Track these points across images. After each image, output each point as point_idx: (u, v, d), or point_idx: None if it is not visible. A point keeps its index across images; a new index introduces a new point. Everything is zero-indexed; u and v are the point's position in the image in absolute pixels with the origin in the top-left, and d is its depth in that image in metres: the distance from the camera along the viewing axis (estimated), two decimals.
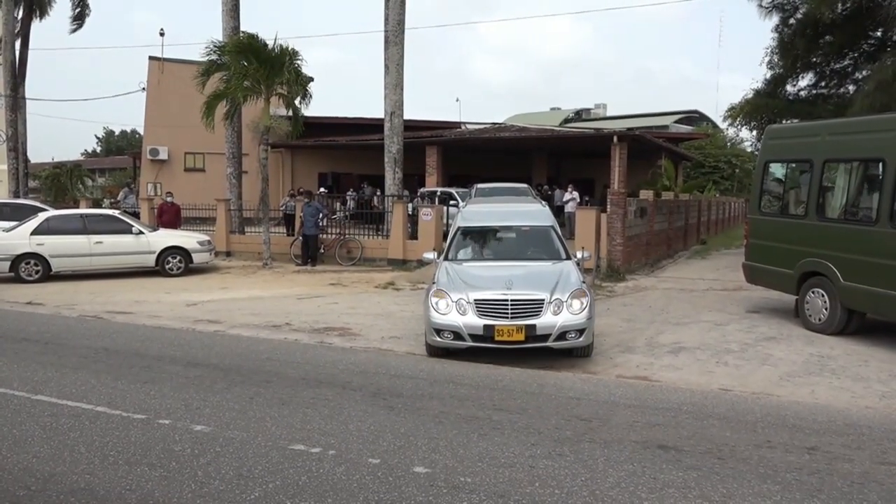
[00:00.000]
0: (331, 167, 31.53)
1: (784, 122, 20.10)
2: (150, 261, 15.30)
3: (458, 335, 7.36)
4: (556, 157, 32.24)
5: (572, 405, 5.96)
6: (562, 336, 7.29)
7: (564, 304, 7.34)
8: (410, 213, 17.72)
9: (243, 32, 18.48)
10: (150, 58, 31.31)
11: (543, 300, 7.32)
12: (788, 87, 22.95)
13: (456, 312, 7.38)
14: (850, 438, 5.27)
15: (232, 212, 20.06)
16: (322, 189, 24.80)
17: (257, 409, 5.85)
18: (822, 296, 8.99)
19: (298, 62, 16.97)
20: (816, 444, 5.12)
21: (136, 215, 18.98)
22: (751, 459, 4.78)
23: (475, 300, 7.36)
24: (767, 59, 21.99)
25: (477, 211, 9.65)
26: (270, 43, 16.68)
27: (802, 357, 7.87)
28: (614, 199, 15.02)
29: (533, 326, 7.23)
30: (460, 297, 7.43)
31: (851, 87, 21.59)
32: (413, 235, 17.12)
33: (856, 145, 8.88)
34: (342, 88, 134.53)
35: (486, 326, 7.25)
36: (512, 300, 7.30)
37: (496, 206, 10.31)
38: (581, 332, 7.37)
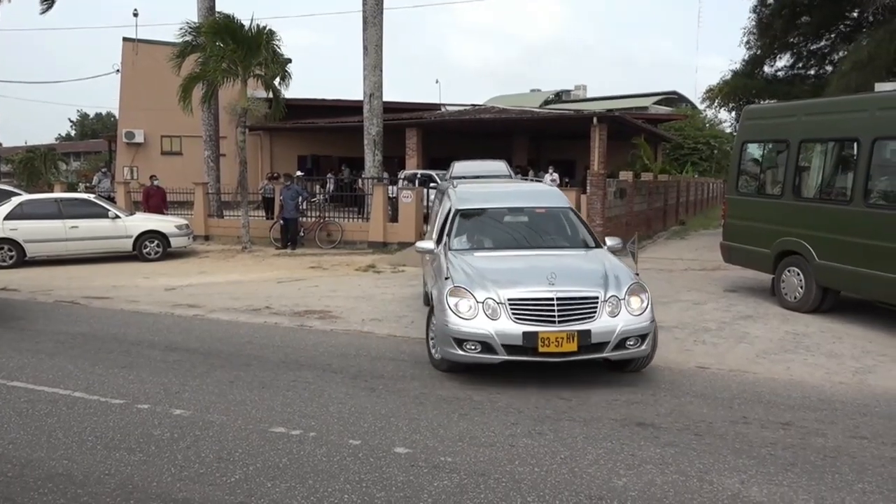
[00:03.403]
0: (310, 150, 31.26)
1: (762, 102, 20.25)
2: (128, 245, 15.11)
3: (487, 347, 5.74)
4: (537, 139, 32.23)
5: (552, 384, 6.00)
6: (621, 344, 5.82)
7: (622, 302, 5.94)
8: (392, 195, 17.65)
9: (219, 13, 18.19)
10: (124, 39, 30.73)
11: (598, 298, 5.87)
12: (766, 68, 23.15)
13: (484, 317, 5.81)
14: (824, 413, 5.37)
15: (210, 195, 19.85)
16: (299, 172, 24.63)
17: (237, 392, 5.83)
18: (798, 275, 9.11)
19: (276, 43, 16.77)
20: (791, 419, 5.21)
21: (111, 199, 18.73)
22: (727, 435, 4.85)
23: (509, 300, 5.81)
24: (745, 39, 22.14)
25: (474, 191, 8.23)
26: (247, 24, 16.46)
27: (778, 335, 7.98)
28: (594, 180, 15.07)
29: (587, 333, 5.70)
30: (488, 296, 5.87)
31: (828, 68, 21.78)
32: (394, 218, 17.08)
33: (831, 125, 8.97)
34: (321, 70, 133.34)
35: (526, 335, 5.66)
36: (559, 299, 5.77)
37: (496, 184, 8.99)
38: (643, 337, 5.94)
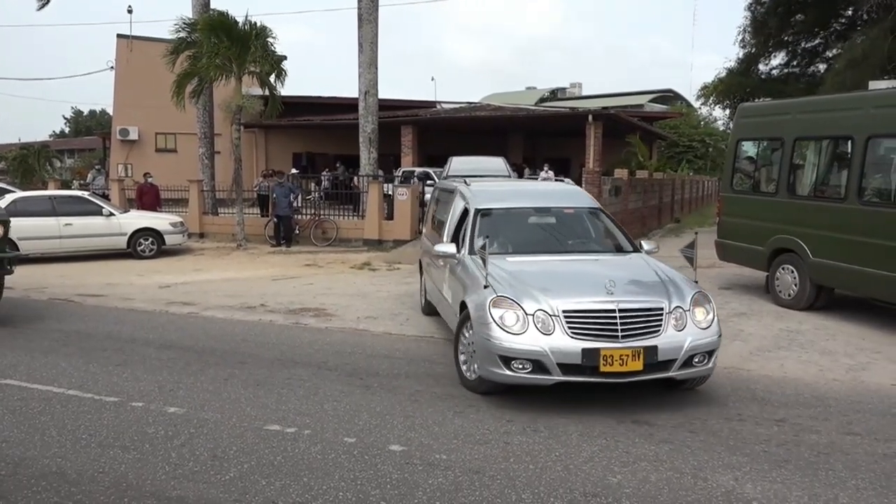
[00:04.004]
0: (305, 147, 31.22)
1: (756, 100, 20.29)
2: (122, 243, 15.06)
3: (540, 366, 5.09)
4: (533, 137, 32.25)
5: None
6: (688, 361, 5.25)
7: (687, 314, 5.37)
8: (388, 193, 17.63)
9: (213, 10, 18.16)
10: (119, 36, 30.61)
11: (662, 310, 5.30)
12: (761, 66, 23.23)
13: (536, 331, 5.15)
14: (817, 410, 5.39)
15: (205, 193, 19.79)
16: (294, 170, 24.58)
17: (232, 390, 5.82)
18: (792, 272, 9.14)
19: (270, 40, 16.73)
20: (785, 416, 5.23)
21: (105, 197, 18.66)
22: (721, 432, 4.87)
23: (564, 312, 5.17)
24: (740, 37, 22.21)
25: (492, 189, 7.69)
26: (241, 20, 16.42)
27: (772, 332, 8.00)
28: (589, 177, 15.09)
29: (653, 350, 5.10)
30: (539, 307, 5.22)
31: (822, 66, 21.87)
32: (390, 216, 17.06)
33: (825, 123, 8.99)
34: (316, 67, 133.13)
35: (586, 352, 5.03)
36: (622, 310, 5.17)
37: (512, 183, 8.57)
38: (710, 354, 5.38)
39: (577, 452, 4.50)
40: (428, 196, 15.30)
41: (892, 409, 5.45)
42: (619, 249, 6.80)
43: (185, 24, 17.49)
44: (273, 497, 3.87)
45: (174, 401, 5.53)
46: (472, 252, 6.42)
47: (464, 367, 5.85)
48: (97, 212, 14.96)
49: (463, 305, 5.92)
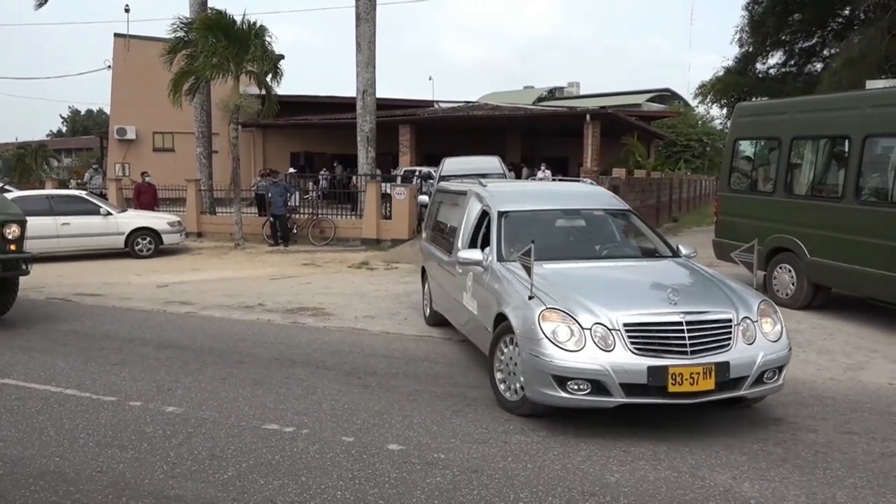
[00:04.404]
0: (303, 146, 31.20)
1: (754, 99, 20.32)
2: (119, 242, 15.04)
3: (599, 387, 4.60)
4: (531, 136, 32.26)
5: None
6: (759, 378, 4.81)
7: (755, 325, 4.95)
8: (386, 192, 17.62)
9: (211, 9, 18.15)
10: (116, 35, 30.56)
11: (731, 321, 4.85)
12: (758, 65, 23.25)
13: (594, 347, 4.65)
14: (815, 409, 5.40)
15: (202, 192, 19.77)
16: (292, 169, 24.57)
17: (230, 389, 5.81)
18: (790, 271, 9.15)
19: (268, 39, 16.71)
20: (782, 415, 5.24)
21: (102, 196, 18.64)
22: (719, 431, 4.87)
23: (625, 325, 4.69)
24: (738, 36, 22.22)
25: (511, 190, 7.37)
26: (239, 19, 16.40)
27: None
28: (587, 177, 15.09)
29: (725, 366, 4.64)
30: (596, 320, 4.72)
31: (819, 66, 21.90)
32: (388, 215, 17.07)
33: (823, 123, 9.00)
34: (314, 66, 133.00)
35: (653, 370, 4.55)
36: (689, 323, 4.71)
37: (528, 184, 8.17)
38: (780, 369, 4.98)
39: (575, 451, 4.51)
40: (423, 197, 15.26)
41: (890, 409, 5.46)
42: (656, 254, 6.38)
43: (182, 23, 17.48)
44: (271, 496, 3.87)
45: (172, 400, 5.52)
46: (500, 259, 5.90)
47: (502, 387, 5.28)
48: (95, 211, 14.94)
49: (499, 318, 5.39)
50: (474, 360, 6.71)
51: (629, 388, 4.60)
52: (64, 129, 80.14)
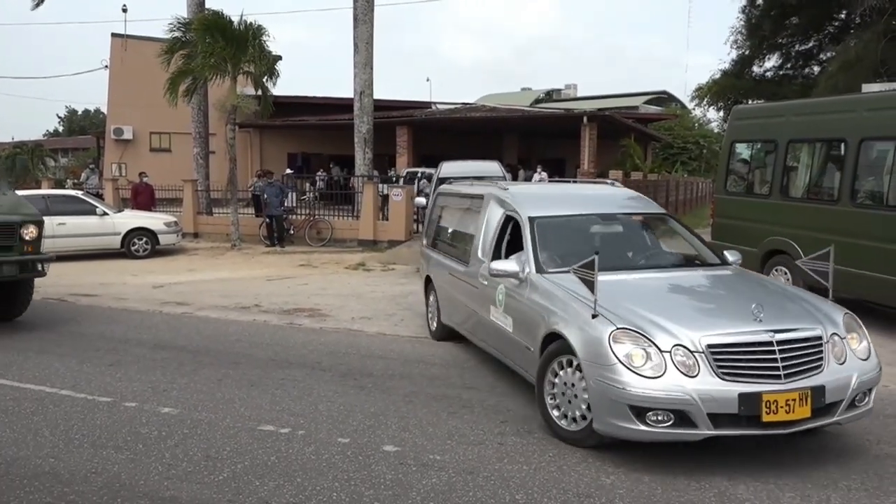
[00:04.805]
0: (300, 147, 31.18)
1: (750, 102, 20.37)
2: (115, 242, 15.03)
3: (683, 417, 4.10)
4: (528, 138, 32.29)
5: None
6: (852, 402, 4.38)
7: (844, 342, 4.52)
8: (383, 193, 17.62)
9: (208, 9, 18.15)
10: (113, 35, 30.53)
11: (821, 338, 4.40)
12: (755, 68, 23.35)
13: (676, 372, 4.13)
14: None
15: (199, 192, 19.77)
16: (289, 170, 24.57)
17: (226, 390, 5.81)
18: (785, 273, 9.17)
19: (265, 39, 16.72)
20: None
21: (99, 196, 18.61)
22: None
23: (709, 346, 4.19)
24: (734, 39, 22.30)
25: (535, 193, 6.78)
26: (236, 20, 16.41)
27: None
28: (584, 178, 15.11)
29: (821, 391, 4.20)
30: (676, 342, 4.22)
31: (816, 69, 21.96)
32: (387, 217, 17.07)
33: (819, 126, 9.03)
34: (311, 67, 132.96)
35: (744, 398, 4.06)
36: (780, 342, 4.24)
37: (551, 186, 7.56)
38: (870, 391, 4.53)
39: (571, 453, 4.51)
40: (420, 199, 15.17)
41: (885, 411, 5.47)
42: (704, 262, 5.87)
43: (179, 23, 17.50)
44: (266, 497, 3.86)
45: (168, 401, 5.52)
46: (539, 270, 5.36)
47: (555, 413, 4.72)
48: (91, 211, 14.92)
49: (550, 338, 4.82)
50: (470, 362, 6.72)
51: (717, 419, 4.10)
52: (61, 129, 79.99)
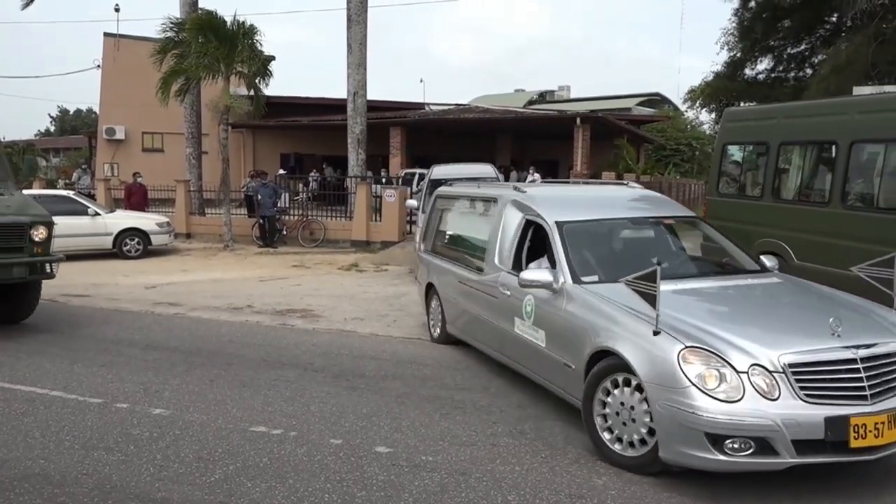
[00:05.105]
0: (293, 148, 31.13)
1: (742, 104, 20.47)
2: (107, 243, 14.96)
3: (764, 445, 3.75)
4: (521, 139, 32.34)
5: (534, 384, 6.01)
6: None
7: None
8: (377, 194, 17.61)
9: (201, 9, 18.11)
10: (105, 34, 30.39)
11: None
12: (747, 71, 23.47)
13: (755, 395, 3.78)
14: None
15: (192, 193, 19.71)
16: (282, 171, 24.55)
17: (218, 391, 5.79)
18: None
19: (258, 40, 16.70)
20: None
21: (91, 196, 18.54)
22: None
23: (790, 365, 3.86)
24: (726, 41, 22.40)
25: (555, 196, 6.38)
26: (229, 20, 16.39)
27: None
28: (577, 180, 15.15)
29: None
30: (753, 361, 3.86)
31: (808, 71, 22.09)
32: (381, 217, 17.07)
33: (810, 128, 9.07)
34: (304, 68, 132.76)
35: (831, 422, 3.73)
36: (864, 359, 3.92)
37: (570, 188, 7.20)
38: None
39: (564, 454, 4.52)
40: (412, 202, 15.17)
41: None
42: (745, 269, 5.56)
43: (172, 23, 17.45)
44: (258, 499, 3.85)
45: (159, 402, 5.50)
46: (576, 280, 4.99)
47: (606, 436, 4.35)
48: (82, 211, 14.85)
49: (598, 355, 4.46)
50: (462, 363, 6.72)
51: (801, 446, 3.74)
52: (52, 129, 79.59)
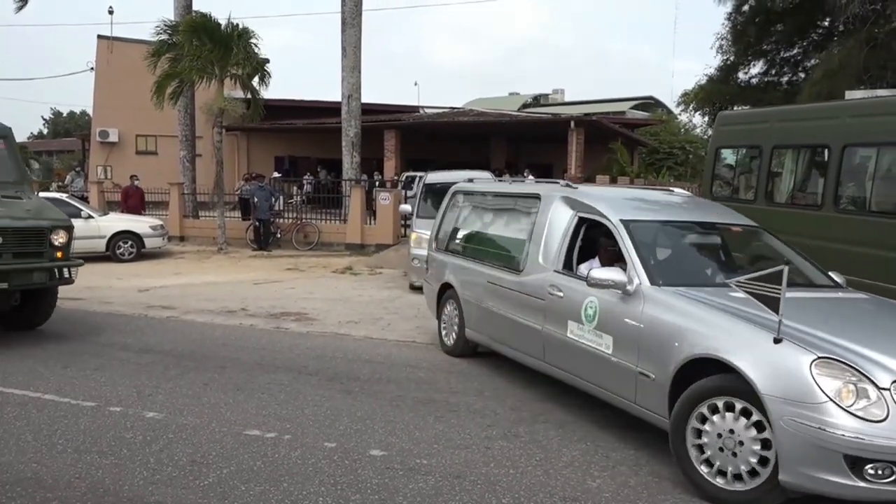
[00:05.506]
0: (288, 151, 31.09)
1: (736, 108, 20.57)
2: (101, 246, 14.90)
3: None
4: (515, 142, 32.37)
5: (528, 387, 6.03)
6: None
7: None
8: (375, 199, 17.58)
9: (196, 11, 18.07)
10: (99, 37, 30.34)
11: None
12: (740, 75, 23.58)
13: None
14: None
15: (186, 196, 19.67)
16: (276, 173, 24.52)
17: (211, 394, 5.78)
18: None
19: (253, 42, 16.69)
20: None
21: (84, 199, 18.48)
22: None
23: None
24: (719, 45, 22.51)
25: (609, 196, 5.89)
26: (224, 23, 16.37)
27: None
28: (571, 183, 15.18)
29: None
30: (894, 378, 3.57)
31: (801, 75, 22.21)
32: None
33: (803, 132, 9.12)
34: (299, 71, 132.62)
35: None
36: None
37: (620, 189, 6.79)
38: None
39: (558, 457, 4.52)
40: (406, 206, 15.12)
41: None
42: (820, 284, 5.27)
43: (166, 25, 17.42)
44: (252, 503, 3.84)
45: (153, 405, 5.48)
46: (653, 281, 4.63)
47: (704, 469, 3.95)
48: (76, 214, 14.74)
49: (688, 367, 4.08)
50: (457, 367, 6.72)
51: None
52: (45, 131, 79.29)
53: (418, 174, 21.12)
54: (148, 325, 8.69)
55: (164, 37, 17.31)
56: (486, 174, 12.91)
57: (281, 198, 18.89)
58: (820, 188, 8.70)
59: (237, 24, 16.44)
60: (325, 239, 17.27)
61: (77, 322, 8.83)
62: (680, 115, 35.19)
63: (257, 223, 17.23)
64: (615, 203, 5.49)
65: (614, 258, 5.17)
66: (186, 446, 4.63)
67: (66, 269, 7.83)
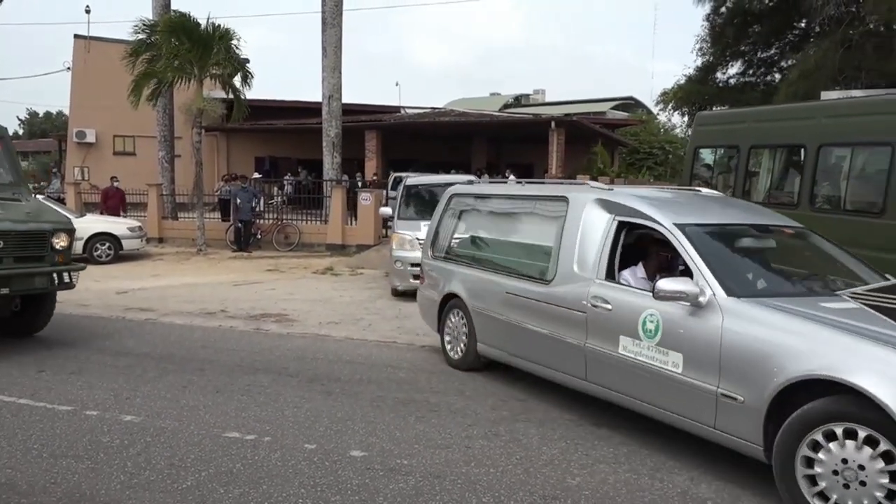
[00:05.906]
0: (268, 151, 30.92)
1: (714, 108, 20.79)
2: (77, 247, 14.69)
3: None
4: (496, 143, 32.43)
5: (508, 386, 6.04)
6: None
7: None
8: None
9: (174, 11, 17.92)
10: (76, 36, 30.00)
11: None
12: (719, 75, 23.86)
13: None
14: None
15: (164, 197, 19.51)
16: (256, 174, 24.38)
17: (190, 397, 5.73)
18: None
19: (234, 42, 16.58)
20: None
21: (60, 201, 18.25)
22: (679, 435, 4.93)
23: None
24: (698, 46, 22.76)
25: (651, 197, 5.34)
26: (203, 22, 16.25)
27: None
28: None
29: None
30: None
31: (777, 76, 22.50)
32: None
33: (779, 132, 9.23)
34: (279, 71, 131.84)
35: None
36: None
37: (655, 190, 6.25)
38: None
39: (538, 456, 4.54)
40: (386, 209, 15.07)
41: None
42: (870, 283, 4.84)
43: (144, 25, 17.26)
44: None
45: (130, 409, 5.42)
46: (732, 293, 4.13)
47: (816, 502, 3.52)
48: None
49: (791, 390, 3.64)
50: (438, 367, 6.72)
51: None
52: (21, 132, 78.21)
53: (405, 175, 21.13)
54: (126, 328, 8.60)
55: (142, 36, 17.16)
56: (467, 178, 12.72)
57: (262, 198, 18.78)
58: (796, 187, 8.82)
59: (218, 25, 16.36)
60: (305, 240, 17.20)
61: (53, 325, 8.70)
62: (659, 114, 35.46)
63: (239, 224, 17.11)
64: (661, 205, 5.03)
65: (663, 266, 4.88)
66: (164, 449, 4.59)
67: (67, 274, 7.58)
